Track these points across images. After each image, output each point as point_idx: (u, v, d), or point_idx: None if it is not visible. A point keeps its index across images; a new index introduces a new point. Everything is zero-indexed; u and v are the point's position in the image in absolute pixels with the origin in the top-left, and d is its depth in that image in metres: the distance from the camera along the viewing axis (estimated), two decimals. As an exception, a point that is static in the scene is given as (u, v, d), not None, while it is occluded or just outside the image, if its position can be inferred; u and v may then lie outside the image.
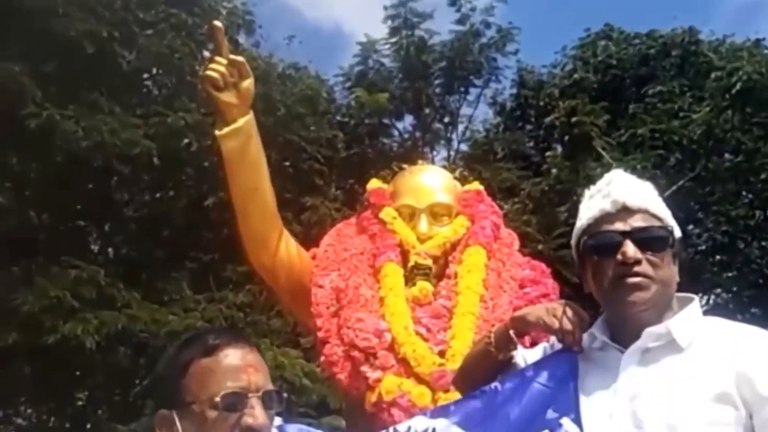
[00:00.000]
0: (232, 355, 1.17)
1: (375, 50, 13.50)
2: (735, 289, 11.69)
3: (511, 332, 1.44)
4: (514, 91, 14.53)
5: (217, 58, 2.08)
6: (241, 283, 7.28)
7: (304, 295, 2.18)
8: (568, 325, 1.37)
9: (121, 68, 7.61)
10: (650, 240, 1.36)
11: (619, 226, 1.37)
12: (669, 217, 1.42)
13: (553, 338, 1.47)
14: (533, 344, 1.58)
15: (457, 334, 1.95)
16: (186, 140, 7.87)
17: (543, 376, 1.36)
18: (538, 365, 1.41)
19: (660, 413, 1.28)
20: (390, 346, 1.97)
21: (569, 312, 1.38)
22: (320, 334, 2.08)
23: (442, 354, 1.95)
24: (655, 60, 12.88)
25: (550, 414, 1.32)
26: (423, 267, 2.14)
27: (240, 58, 2.12)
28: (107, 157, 7.05)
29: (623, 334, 1.38)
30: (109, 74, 7.50)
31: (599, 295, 1.42)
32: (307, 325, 2.27)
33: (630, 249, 1.34)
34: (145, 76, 8.74)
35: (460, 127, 13.80)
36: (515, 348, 1.47)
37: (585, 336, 1.40)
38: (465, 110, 14.21)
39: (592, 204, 1.44)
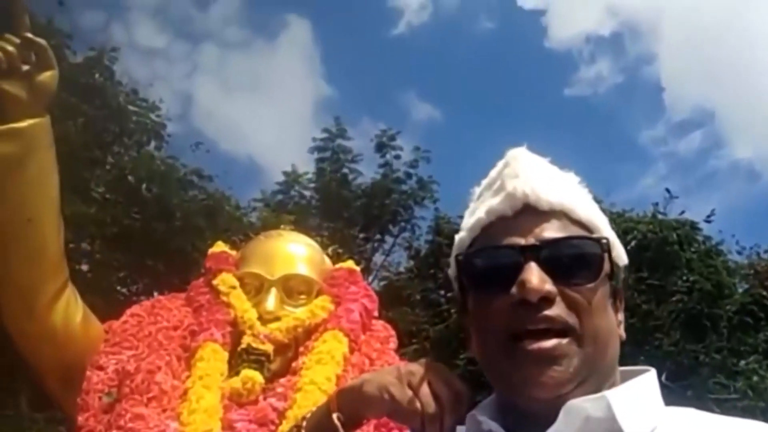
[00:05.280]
0: None
1: (298, 182, 13.56)
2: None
3: (335, 416, 0.85)
4: (430, 237, 14.68)
5: (8, 36, 1.53)
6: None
7: (78, 380, 1.49)
8: (431, 405, 0.79)
9: None
10: (571, 261, 0.80)
11: (516, 238, 0.81)
12: (604, 226, 0.87)
13: None
14: None
15: (282, 448, 1.30)
16: None
17: None
18: None
19: None
20: (177, 460, 1.30)
21: (436, 382, 0.81)
22: (78, 436, 1.38)
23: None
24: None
25: None
26: (257, 352, 1.51)
27: (41, 41, 1.56)
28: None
29: (526, 423, 0.80)
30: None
31: (484, 363, 0.83)
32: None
33: (533, 276, 0.77)
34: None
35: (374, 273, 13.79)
36: None
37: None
38: (379, 256, 14.30)
39: (478, 205, 0.88)
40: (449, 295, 13.07)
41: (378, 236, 14.25)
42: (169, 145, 9.44)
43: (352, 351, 1.58)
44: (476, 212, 0.88)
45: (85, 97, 8.06)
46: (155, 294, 1.80)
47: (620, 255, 0.87)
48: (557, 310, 0.78)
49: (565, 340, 0.77)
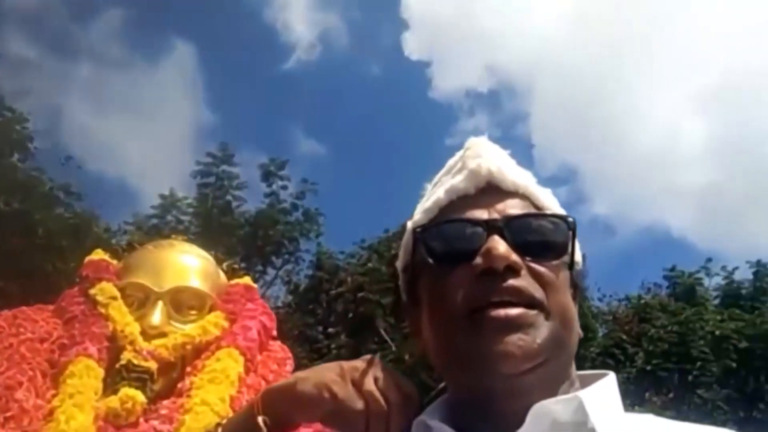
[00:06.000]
0: None
1: (175, 206, 12.97)
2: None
3: (260, 420, 0.74)
4: (310, 272, 14.49)
5: None
6: None
7: None
8: (379, 403, 0.70)
9: None
10: (536, 237, 0.75)
11: (479, 212, 0.77)
12: (562, 212, 0.82)
13: None
14: None
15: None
16: None
17: None
18: None
19: None
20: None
21: (383, 380, 0.72)
22: None
23: None
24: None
25: None
26: (138, 369, 1.34)
27: None
28: None
29: (485, 425, 0.72)
30: None
31: (439, 347, 0.75)
32: None
33: (499, 245, 0.72)
34: None
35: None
36: None
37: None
38: (259, 289, 13.91)
39: (435, 189, 0.83)
40: (329, 330, 12.93)
41: (259, 267, 13.84)
42: (36, 159, 8.73)
43: (247, 371, 1.44)
44: (434, 194, 0.81)
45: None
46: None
47: (578, 254, 0.82)
48: (524, 282, 0.73)
49: (532, 311, 0.72)
